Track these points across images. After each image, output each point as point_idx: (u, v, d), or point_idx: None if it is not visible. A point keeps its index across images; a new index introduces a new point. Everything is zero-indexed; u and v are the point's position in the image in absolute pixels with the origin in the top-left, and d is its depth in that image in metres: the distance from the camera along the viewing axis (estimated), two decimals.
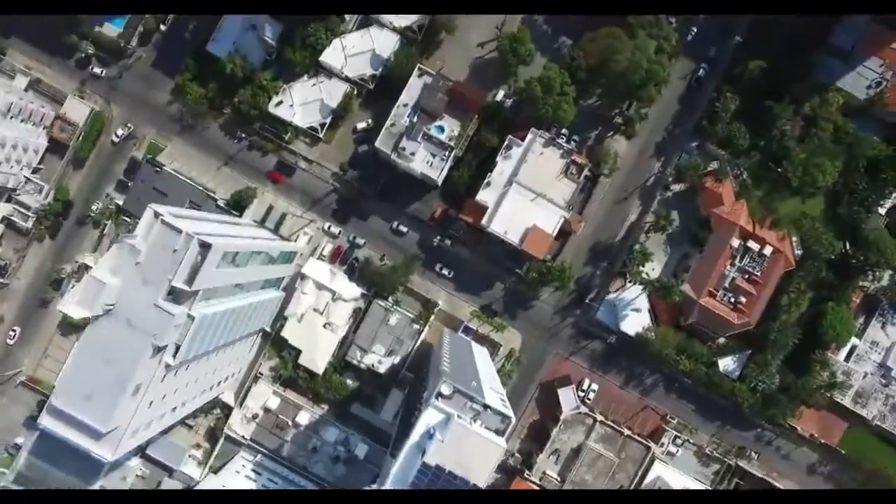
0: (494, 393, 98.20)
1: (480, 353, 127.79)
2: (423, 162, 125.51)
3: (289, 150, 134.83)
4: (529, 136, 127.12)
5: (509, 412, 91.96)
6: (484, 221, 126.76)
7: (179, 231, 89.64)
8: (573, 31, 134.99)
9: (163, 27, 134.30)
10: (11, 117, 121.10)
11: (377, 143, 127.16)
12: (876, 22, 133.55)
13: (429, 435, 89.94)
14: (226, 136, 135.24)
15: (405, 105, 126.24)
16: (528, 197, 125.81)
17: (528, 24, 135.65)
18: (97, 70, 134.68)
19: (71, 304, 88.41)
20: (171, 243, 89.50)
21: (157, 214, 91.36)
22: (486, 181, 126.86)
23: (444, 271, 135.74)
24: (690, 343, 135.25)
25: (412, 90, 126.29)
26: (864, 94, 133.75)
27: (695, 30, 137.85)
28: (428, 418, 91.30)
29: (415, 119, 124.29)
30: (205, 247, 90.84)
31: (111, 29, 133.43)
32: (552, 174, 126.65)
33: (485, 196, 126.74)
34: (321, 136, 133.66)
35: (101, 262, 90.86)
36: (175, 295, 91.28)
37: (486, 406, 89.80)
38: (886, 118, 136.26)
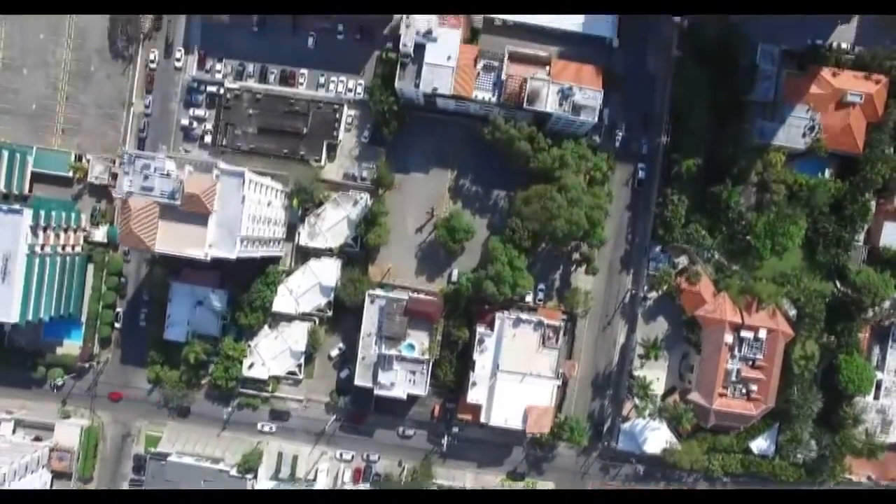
0: None
1: None
2: (406, 383, 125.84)
3: (277, 398, 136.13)
4: (497, 322, 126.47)
5: None
6: (482, 419, 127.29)
7: None
8: (503, 183, 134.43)
9: (117, 325, 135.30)
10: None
11: (357, 381, 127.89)
12: (787, 69, 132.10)
13: None
14: (213, 403, 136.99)
15: (369, 335, 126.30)
16: (516, 380, 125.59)
17: (455, 193, 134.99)
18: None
19: None
20: None
21: None
22: (471, 381, 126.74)
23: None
24: (718, 439, 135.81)
25: (370, 318, 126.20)
26: (803, 144, 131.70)
27: (620, 134, 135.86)
28: None
29: (383, 349, 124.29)
30: None
31: (70, 345, 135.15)
32: (531, 350, 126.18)
33: (475, 395, 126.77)
34: (300, 376, 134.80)
35: None
36: None
37: None
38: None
